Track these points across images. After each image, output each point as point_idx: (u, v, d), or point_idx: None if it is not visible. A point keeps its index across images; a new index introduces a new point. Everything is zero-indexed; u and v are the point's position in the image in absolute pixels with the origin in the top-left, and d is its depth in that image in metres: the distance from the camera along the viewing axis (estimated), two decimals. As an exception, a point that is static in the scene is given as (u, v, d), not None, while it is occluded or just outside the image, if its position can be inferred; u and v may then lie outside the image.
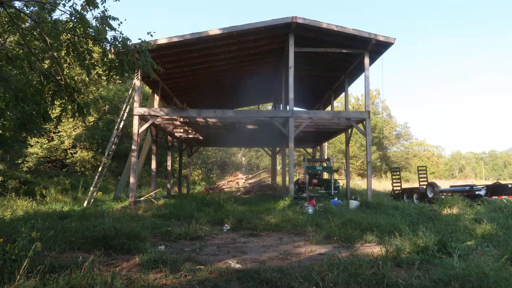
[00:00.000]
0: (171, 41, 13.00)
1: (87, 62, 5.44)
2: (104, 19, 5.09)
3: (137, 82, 14.03)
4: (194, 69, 16.66)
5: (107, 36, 5.36)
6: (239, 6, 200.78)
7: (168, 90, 17.85)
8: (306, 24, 13.35)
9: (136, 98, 13.93)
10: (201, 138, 20.42)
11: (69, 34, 5.15)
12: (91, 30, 5.15)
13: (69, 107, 5.49)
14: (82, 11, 4.97)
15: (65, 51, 5.21)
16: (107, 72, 5.61)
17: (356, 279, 4.10)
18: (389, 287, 4.00)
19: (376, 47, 14.06)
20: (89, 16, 5.15)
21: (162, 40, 12.88)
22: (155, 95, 16.81)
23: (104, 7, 5.31)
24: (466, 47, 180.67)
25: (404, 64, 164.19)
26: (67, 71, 5.51)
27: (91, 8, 4.94)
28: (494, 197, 14.47)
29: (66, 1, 5.22)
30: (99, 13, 5.13)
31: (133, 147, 13.66)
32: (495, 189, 14.85)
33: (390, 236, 6.98)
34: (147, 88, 21.88)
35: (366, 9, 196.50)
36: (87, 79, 22.82)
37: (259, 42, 15.16)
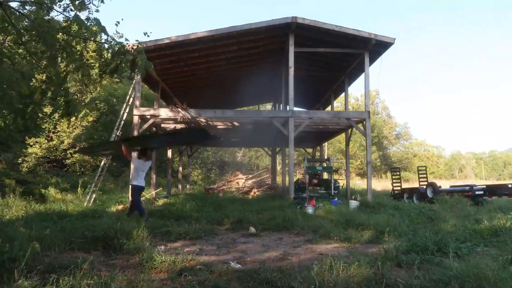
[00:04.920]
0: (171, 41, 12.99)
1: (78, 63, 5.40)
2: (99, 25, 5.06)
3: (137, 82, 14.02)
4: (194, 69, 16.65)
5: (102, 40, 5.34)
6: (240, 8, 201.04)
7: (168, 90, 17.83)
8: (306, 24, 13.35)
9: (136, 98, 13.93)
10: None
11: (64, 35, 5.14)
12: (85, 31, 5.12)
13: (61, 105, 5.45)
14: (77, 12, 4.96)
15: (60, 52, 5.18)
16: (101, 71, 5.57)
17: (356, 279, 4.10)
18: (389, 287, 4.00)
19: (376, 47, 14.06)
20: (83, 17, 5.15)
21: (162, 40, 12.88)
22: (155, 95, 16.81)
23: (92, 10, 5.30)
24: (466, 47, 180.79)
25: (403, 64, 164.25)
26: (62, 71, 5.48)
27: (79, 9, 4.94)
28: (494, 197, 14.48)
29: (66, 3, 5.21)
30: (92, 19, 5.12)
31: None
32: (495, 189, 14.85)
33: (390, 236, 6.98)
34: (147, 87, 21.86)
35: (367, 7, 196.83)
36: (86, 80, 22.77)
37: (259, 42, 15.15)
